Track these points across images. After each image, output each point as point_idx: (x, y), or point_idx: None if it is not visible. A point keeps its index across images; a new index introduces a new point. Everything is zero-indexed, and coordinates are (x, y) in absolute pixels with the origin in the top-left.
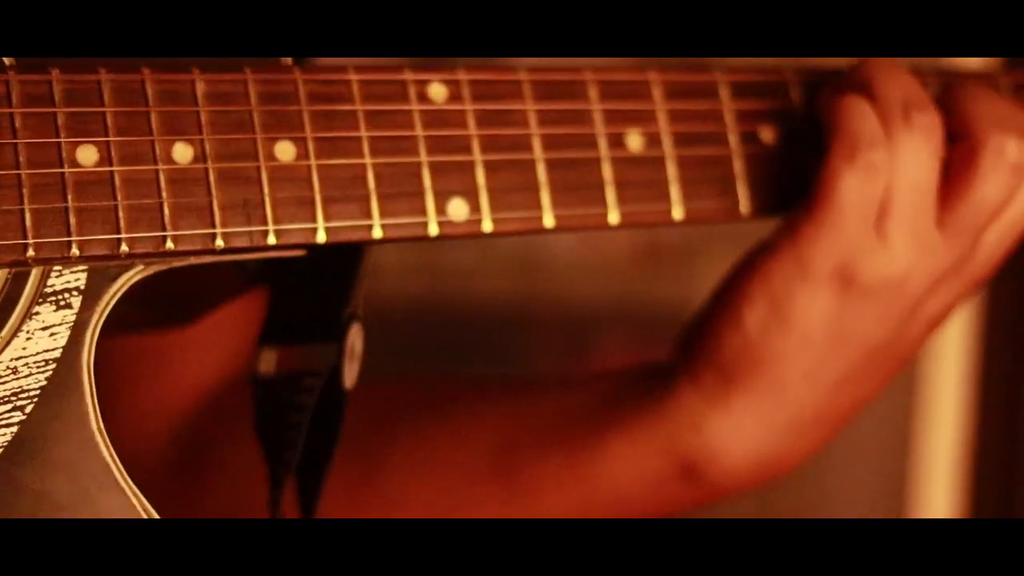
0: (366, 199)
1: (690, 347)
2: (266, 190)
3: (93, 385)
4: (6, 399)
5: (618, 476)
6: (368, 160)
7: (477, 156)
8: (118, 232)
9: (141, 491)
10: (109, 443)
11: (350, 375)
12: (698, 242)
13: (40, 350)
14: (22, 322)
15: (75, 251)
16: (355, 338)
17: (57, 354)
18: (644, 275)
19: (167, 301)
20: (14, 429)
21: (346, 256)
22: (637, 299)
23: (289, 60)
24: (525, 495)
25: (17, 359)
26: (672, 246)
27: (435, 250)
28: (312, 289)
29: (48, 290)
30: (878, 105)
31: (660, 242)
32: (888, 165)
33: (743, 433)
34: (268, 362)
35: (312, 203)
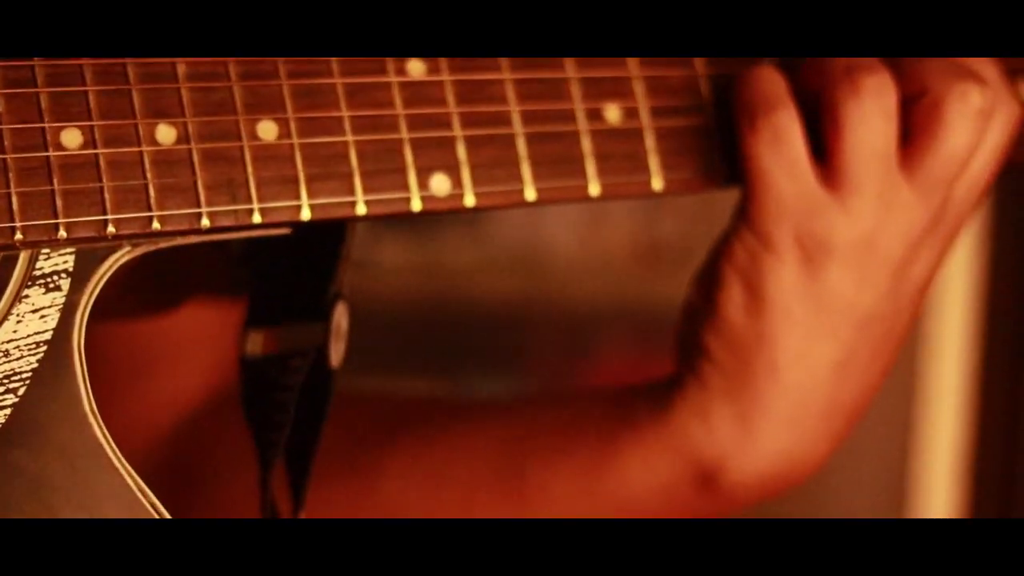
0: (349, 176)
1: (684, 343)
2: (250, 169)
3: (84, 366)
4: None
5: (629, 484)
6: (350, 138)
7: (458, 132)
8: (104, 214)
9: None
10: (102, 424)
11: (336, 354)
12: (698, 242)
13: (31, 332)
14: (12, 305)
15: (62, 233)
16: (341, 317)
17: (48, 336)
18: (644, 275)
19: (156, 287)
20: (7, 412)
21: (329, 235)
22: (637, 299)
23: None
24: (531, 505)
25: (8, 342)
26: (672, 246)
27: (435, 250)
28: (296, 270)
29: (37, 273)
30: (823, 75)
31: (660, 242)
32: (793, 121)
33: (750, 427)
34: (255, 344)
35: (296, 181)
